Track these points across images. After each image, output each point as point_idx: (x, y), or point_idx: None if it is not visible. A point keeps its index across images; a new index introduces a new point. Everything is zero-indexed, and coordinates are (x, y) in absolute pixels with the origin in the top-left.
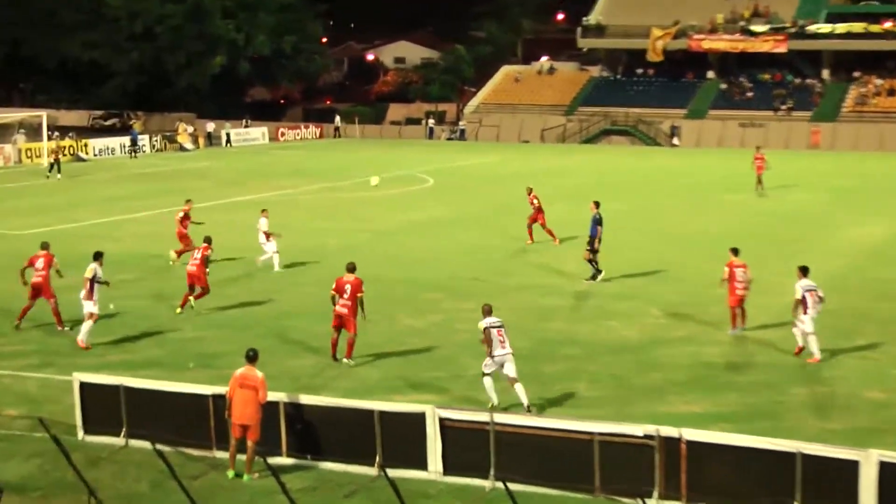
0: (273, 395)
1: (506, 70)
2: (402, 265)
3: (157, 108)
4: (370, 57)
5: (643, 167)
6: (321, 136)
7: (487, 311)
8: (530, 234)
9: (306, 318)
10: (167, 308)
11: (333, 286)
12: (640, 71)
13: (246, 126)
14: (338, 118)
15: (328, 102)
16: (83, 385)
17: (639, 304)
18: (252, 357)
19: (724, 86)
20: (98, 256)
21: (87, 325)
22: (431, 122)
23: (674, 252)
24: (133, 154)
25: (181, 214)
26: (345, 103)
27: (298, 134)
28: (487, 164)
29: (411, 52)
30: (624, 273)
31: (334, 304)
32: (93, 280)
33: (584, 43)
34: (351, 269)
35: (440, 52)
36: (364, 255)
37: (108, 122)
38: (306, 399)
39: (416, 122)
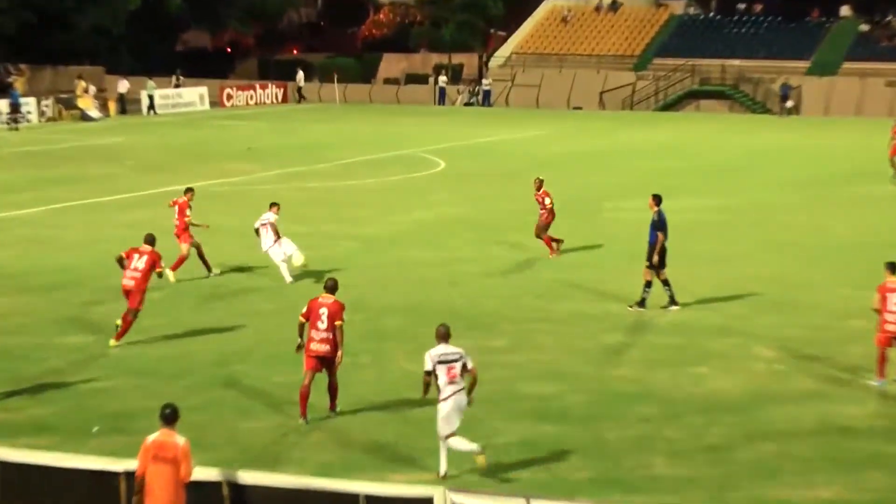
0: (207, 473)
1: (550, 5)
2: (399, 286)
3: (48, 60)
4: None
5: (746, 145)
6: (284, 99)
7: (443, 336)
8: (549, 244)
9: (264, 362)
10: (70, 346)
11: (304, 311)
12: (741, 6)
13: (177, 85)
14: (300, 75)
15: (295, 52)
16: None
17: (741, 341)
18: (169, 417)
19: (865, 27)
20: None
21: None
22: (443, 80)
23: (792, 268)
24: (13, 124)
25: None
26: (318, 53)
27: (252, 97)
28: (521, 142)
29: None
30: (718, 297)
31: (301, 338)
32: None
33: None
34: (330, 287)
35: None
36: (348, 272)
37: None
38: (261, 478)
39: (422, 80)
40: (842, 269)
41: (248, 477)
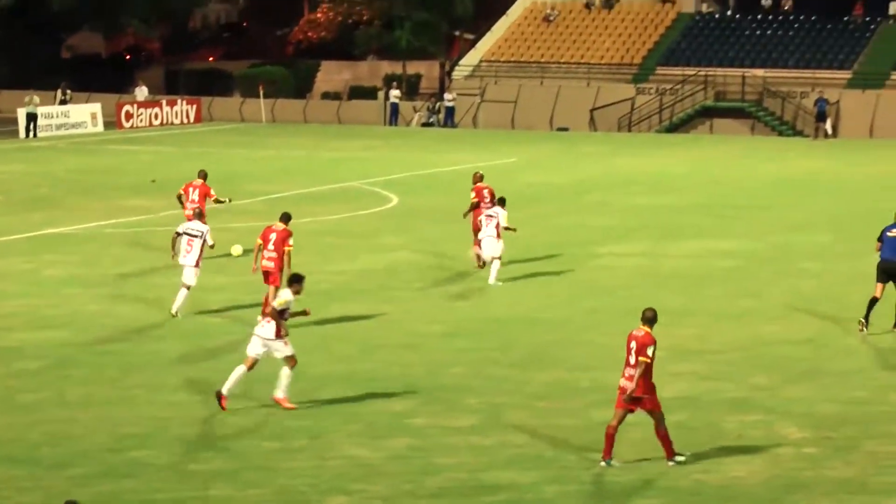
0: None
1: (530, 2)
2: (342, 349)
3: None
4: None
5: (771, 175)
6: (198, 118)
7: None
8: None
9: (169, 445)
10: None
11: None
12: (767, 3)
13: (63, 101)
14: (140, 90)
15: (211, 60)
16: None
17: (764, 419)
18: None
19: None
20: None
21: None
22: (396, 94)
23: (826, 328)
24: None
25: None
26: (240, 61)
27: (158, 116)
28: (492, 171)
29: None
30: (736, 363)
31: (256, 262)
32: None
33: None
34: (284, 218)
35: None
36: None
37: None
38: None
39: (369, 94)
40: (888, 329)
41: None
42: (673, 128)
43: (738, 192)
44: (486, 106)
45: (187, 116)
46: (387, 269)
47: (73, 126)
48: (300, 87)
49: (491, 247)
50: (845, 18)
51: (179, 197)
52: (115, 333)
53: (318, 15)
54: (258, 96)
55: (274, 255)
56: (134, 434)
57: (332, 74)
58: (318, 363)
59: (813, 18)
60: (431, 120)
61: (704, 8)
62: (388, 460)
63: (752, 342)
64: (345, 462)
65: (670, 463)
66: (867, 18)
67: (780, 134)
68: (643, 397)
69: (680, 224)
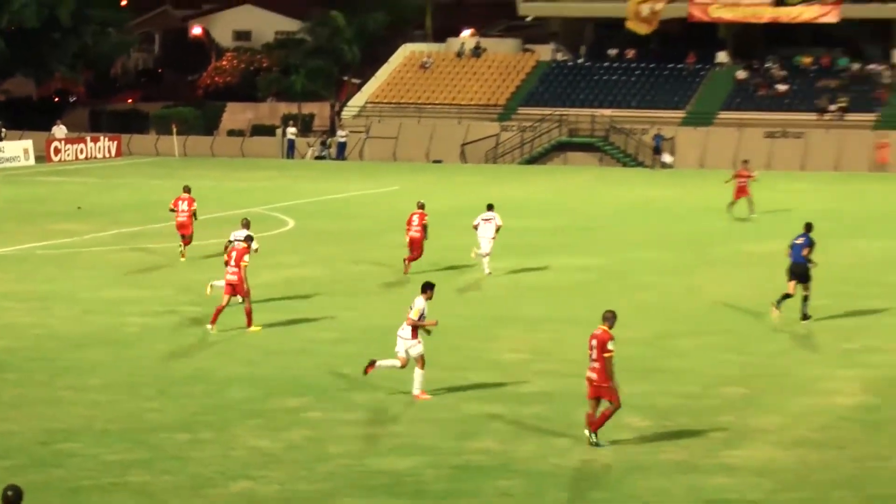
0: None
1: (408, 50)
2: (244, 354)
3: None
4: (196, 30)
5: (616, 201)
6: (118, 153)
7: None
8: (409, 260)
9: (96, 439)
10: None
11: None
12: (613, 52)
13: None
14: (59, 129)
15: (130, 102)
16: None
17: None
18: (13, 500)
19: (742, 74)
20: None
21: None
22: (292, 131)
23: (663, 332)
24: None
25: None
26: (156, 102)
27: (83, 150)
28: (376, 198)
29: (260, 23)
30: (587, 363)
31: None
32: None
33: (529, 9)
34: (247, 239)
35: (306, 23)
36: (190, 339)
37: None
38: None
39: (269, 131)
40: (715, 332)
41: None
42: (532, 160)
43: (589, 215)
44: (371, 141)
45: (109, 151)
46: (285, 284)
47: (8, 160)
48: (208, 126)
49: (487, 245)
50: (679, 66)
51: (172, 210)
52: (44, 342)
53: (224, 63)
54: (171, 133)
55: (235, 269)
56: (61, 429)
57: (236, 114)
58: (224, 366)
59: (652, 66)
60: (323, 153)
61: (559, 57)
62: (286, 450)
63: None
64: (248, 452)
65: (589, 435)
66: (698, 66)
67: (625, 165)
68: (603, 385)
69: (540, 243)
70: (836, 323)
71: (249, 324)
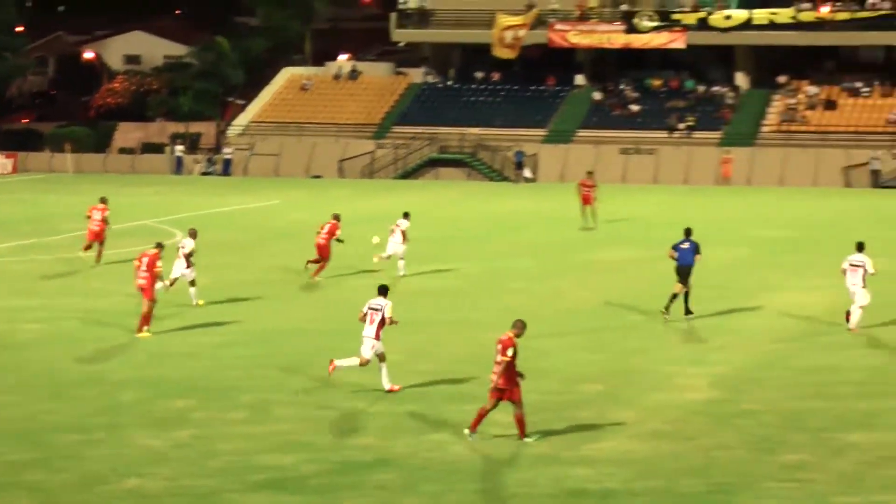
0: None
1: (289, 73)
2: (135, 357)
3: None
4: (89, 54)
5: (483, 213)
6: (14, 169)
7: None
8: (319, 263)
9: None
10: None
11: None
12: (479, 75)
13: None
14: None
15: (25, 122)
16: None
17: (478, 408)
18: None
19: (598, 96)
20: None
21: None
22: (180, 149)
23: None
24: None
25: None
26: (50, 122)
27: None
28: (258, 211)
29: (150, 48)
30: (456, 364)
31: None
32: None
33: (402, 35)
34: (158, 246)
35: (192, 48)
36: (80, 345)
37: None
38: None
39: (158, 149)
40: (576, 333)
41: None
42: (406, 175)
43: (459, 226)
44: (254, 158)
45: (5, 168)
46: (173, 291)
47: None
48: (101, 144)
49: (397, 248)
50: (541, 88)
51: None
52: None
53: (116, 84)
54: (65, 151)
55: (146, 274)
56: None
57: (127, 133)
58: (115, 370)
59: (516, 88)
60: (210, 170)
61: (430, 79)
62: (174, 448)
63: (473, 345)
64: (138, 451)
65: (527, 440)
66: (558, 88)
67: (491, 179)
68: (505, 389)
69: (414, 252)
70: (686, 324)
71: (141, 328)
